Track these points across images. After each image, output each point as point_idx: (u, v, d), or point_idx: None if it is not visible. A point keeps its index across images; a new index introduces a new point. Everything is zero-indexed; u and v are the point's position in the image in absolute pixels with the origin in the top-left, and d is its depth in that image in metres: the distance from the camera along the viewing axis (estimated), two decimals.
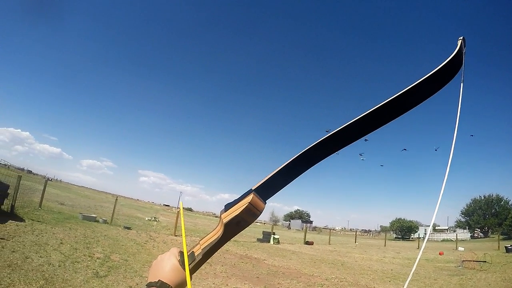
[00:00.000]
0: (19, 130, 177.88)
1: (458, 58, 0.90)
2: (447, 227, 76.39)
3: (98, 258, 8.62)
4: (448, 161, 0.94)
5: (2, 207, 11.95)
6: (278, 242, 23.36)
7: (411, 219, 74.11)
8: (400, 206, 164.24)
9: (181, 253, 0.87)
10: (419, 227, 71.39)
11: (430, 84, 0.89)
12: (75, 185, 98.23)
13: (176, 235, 18.04)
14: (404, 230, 70.39)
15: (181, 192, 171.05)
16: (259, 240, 23.35)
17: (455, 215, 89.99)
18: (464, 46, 0.92)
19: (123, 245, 11.46)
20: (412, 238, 65.46)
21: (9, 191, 12.55)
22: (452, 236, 54.69)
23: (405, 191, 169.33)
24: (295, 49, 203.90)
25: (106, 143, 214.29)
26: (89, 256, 8.58)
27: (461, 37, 0.93)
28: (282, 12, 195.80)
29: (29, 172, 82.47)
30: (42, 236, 9.74)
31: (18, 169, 72.72)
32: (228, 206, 0.91)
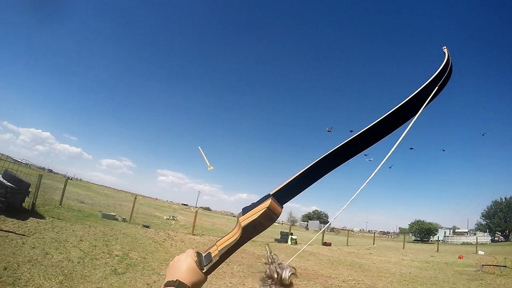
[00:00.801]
0: (40, 130, 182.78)
1: (448, 67, 1.01)
2: (467, 230, 74.63)
3: (116, 255, 8.72)
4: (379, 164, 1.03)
5: (24, 204, 12.26)
6: (296, 243, 23.26)
7: (431, 221, 72.60)
8: (419, 208, 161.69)
9: (198, 254, 0.90)
10: (439, 229, 70.03)
11: (424, 95, 1.00)
12: (95, 184, 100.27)
13: (194, 234, 18.15)
14: (423, 232, 68.82)
15: (199, 192, 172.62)
16: (276, 240, 23.33)
17: (476, 218, 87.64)
18: (450, 55, 1.02)
19: (141, 243, 11.57)
20: (431, 240, 64.07)
21: (30, 189, 12.87)
22: (472, 239, 52.96)
23: (424, 193, 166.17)
24: (314, 52, 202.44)
25: (126, 143, 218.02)
26: (108, 254, 8.69)
27: (445, 47, 1.04)
28: (295, 15, 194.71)
29: (50, 171, 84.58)
30: (62, 233, 9.92)
31: (39, 168, 74.88)
32: (246, 210, 0.94)
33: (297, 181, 0.99)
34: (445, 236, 65.97)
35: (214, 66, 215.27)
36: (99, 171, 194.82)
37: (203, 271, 0.88)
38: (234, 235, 0.94)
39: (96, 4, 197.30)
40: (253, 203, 0.96)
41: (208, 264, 0.88)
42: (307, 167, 0.99)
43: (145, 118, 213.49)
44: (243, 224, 0.91)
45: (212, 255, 0.90)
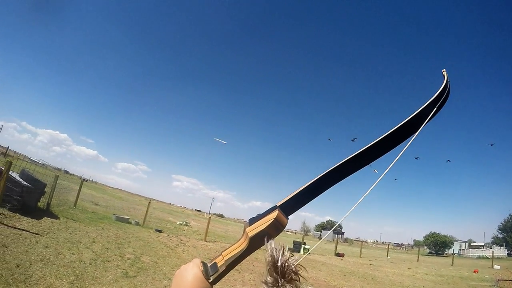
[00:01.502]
0: (58, 132, 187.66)
1: (447, 89, 1.12)
2: (483, 244, 72.47)
3: (128, 258, 8.71)
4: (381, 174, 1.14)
5: (39, 204, 12.44)
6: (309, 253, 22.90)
7: (446, 234, 71.17)
8: (435, 220, 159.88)
9: (204, 264, 0.90)
10: (454, 242, 68.57)
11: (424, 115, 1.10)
12: (110, 186, 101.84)
13: (206, 241, 18.09)
14: (438, 245, 67.55)
15: (213, 198, 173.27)
16: (289, 249, 22.73)
17: (492, 231, 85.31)
18: (448, 78, 1.13)
19: (153, 247, 11.57)
20: (446, 253, 62.63)
21: (46, 189, 13.07)
22: (488, 253, 51.45)
23: (440, 205, 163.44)
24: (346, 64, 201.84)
25: (141, 148, 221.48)
26: (120, 256, 8.69)
27: (444, 69, 1.15)
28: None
29: (66, 172, 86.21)
30: (75, 234, 9.99)
31: (56, 169, 76.35)
32: (253, 220, 0.97)
33: (302, 194, 1.04)
34: (460, 250, 65.03)
35: (234, 71, 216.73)
36: (114, 174, 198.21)
37: (209, 281, 0.87)
38: (241, 245, 0.95)
39: (117, 12, 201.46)
40: (259, 214, 0.99)
41: (214, 274, 0.88)
42: (312, 181, 1.04)
43: (162, 124, 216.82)
44: (251, 234, 0.93)
45: (218, 265, 0.90)
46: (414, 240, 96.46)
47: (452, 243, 67.69)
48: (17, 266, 5.73)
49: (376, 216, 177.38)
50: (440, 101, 1.10)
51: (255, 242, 0.94)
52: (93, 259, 7.63)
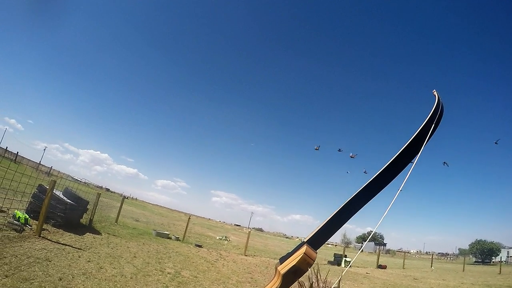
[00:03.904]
0: (99, 152, 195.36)
1: (439, 108, 1.20)
2: None
3: (169, 273, 8.74)
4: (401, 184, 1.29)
5: (81, 220, 12.90)
6: (350, 265, 22.25)
7: (493, 240, 67.17)
8: (480, 227, 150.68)
9: None
10: (501, 249, 64.62)
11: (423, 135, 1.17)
12: (150, 203, 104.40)
13: (246, 255, 17.95)
14: (485, 253, 63.75)
15: (252, 213, 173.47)
16: (329, 262, 22.97)
17: None
18: (440, 97, 1.25)
19: (193, 262, 11.59)
20: (493, 261, 58.88)
21: (88, 206, 13.55)
22: None
23: (486, 210, 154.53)
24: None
25: (180, 165, 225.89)
26: (161, 271, 8.73)
27: (434, 90, 1.27)
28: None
29: (107, 190, 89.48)
30: (117, 249, 10.20)
31: (97, 187, 79.35)
32: (283, 259, 1.19)
33: (327, 226, 1.22)
34: (508, 257, 62.09)
35: (273, 86, 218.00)
36: (154, 191, 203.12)
37: None
38: (275, 283, 1.14)
39: (163, 40, 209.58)
40: (288, 252, 1.18)
41: None
42: (334, 212, 1.24)
43: (200, 141, 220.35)
44: (283, 271, 1.12)
45: None
46: (459, 249, 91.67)
47: (499, 250, 64.53)
48: (60, 279, 5.87)
49: (418, 225, 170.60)
50: (435, 120, 1.28)
51: (288, 279, 1.12)
52: (134, 274, 7.71)
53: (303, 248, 1.18)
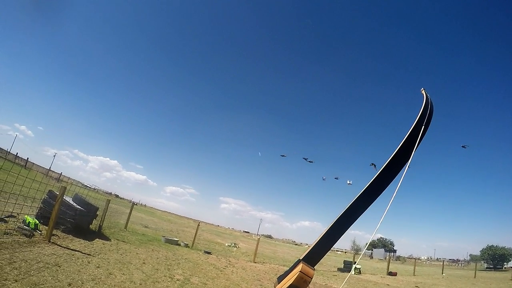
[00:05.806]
0: (108, 158, 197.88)
1: (428, 107, 1.22)
2: None
3: (178, 279, 8.72)
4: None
5: (91, 226, 12.97)
6: (360, 272, 22.57)
7: (504, 246, 65.82)
8: (492, 232, 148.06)
9: None
10: None
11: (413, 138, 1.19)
12: (159, 209, 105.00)
13: (255, 262, 17.87)
14: (497, 258, 62.56)
15: (261, 219, 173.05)
16: (339, 269, 22.94)
17: None
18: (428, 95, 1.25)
19: (202, 268, 11.56)
20: (505, 267, 57.75)
21: (98, 212, 13.63)
22: None
23: (497, 215, 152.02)
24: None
25: (189, 172, 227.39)
26: (170, 277, 8.72)
27: (423, 88, 1.27)
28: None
29: (117, 196, 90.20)
30: (126, 255, 10.22)
31: (107, 193, 79.96)
32: (281, 278, 1.16)
33: (323, 242, 1.19)
34: None
35: (280, 93, 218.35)
36: (163, 197, 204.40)
37: None
38: None
39: (177, 49, 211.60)
40: (286, 271, 1.21)
41: None
42: (328, 227, 1.19)
43: (209, 148, 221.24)
44: None
45: None
46: (470, 255, 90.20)
47: (511, 255, 63.44)
48: (69, 284, 5.89)
49: (429, 231, 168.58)
50: (425, 119, 1.22)
51: None
52: (143, 280, 7.71)
53: (299, 266, 1.14)
